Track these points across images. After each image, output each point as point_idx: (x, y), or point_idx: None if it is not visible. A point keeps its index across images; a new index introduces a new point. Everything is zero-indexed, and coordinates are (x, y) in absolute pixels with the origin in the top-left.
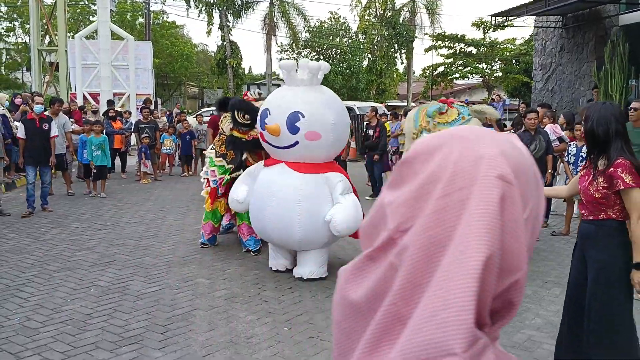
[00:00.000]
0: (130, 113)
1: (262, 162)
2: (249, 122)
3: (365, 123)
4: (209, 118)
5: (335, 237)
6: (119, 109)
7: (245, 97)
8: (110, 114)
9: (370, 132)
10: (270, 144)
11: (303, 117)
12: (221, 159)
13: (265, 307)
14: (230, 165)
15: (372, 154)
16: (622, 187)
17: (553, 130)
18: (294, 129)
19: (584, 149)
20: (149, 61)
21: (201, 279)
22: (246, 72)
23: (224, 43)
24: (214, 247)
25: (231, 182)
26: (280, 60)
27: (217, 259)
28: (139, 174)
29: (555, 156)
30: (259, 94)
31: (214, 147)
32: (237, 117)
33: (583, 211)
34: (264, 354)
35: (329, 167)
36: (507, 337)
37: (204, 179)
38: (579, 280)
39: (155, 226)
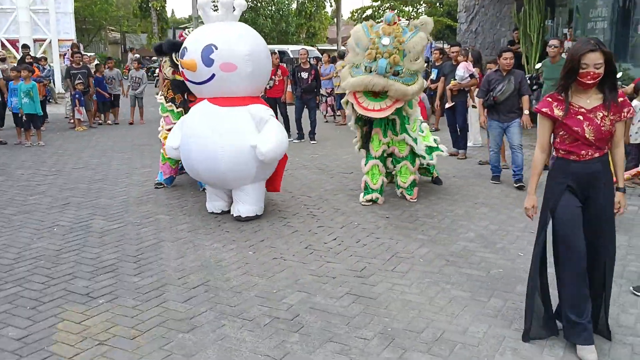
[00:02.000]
0: (45, 60)
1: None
2: None
3: (295, 66)
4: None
5: (265, 169)
6: (42, 55)
7: (182, 38)
8: (27, 61)
9: (304, 75)
10: (191, 81)
11: (216, 48)
12: (171, 103)
13: (227, 236)
14: (179, 109)
15: (307, 97)
16: (631, 116)
17: (466, 67)
18: (209, 62)
19: None
20: (69, 4)
21: (161, 215)
22: (169, 15)
23: None
24: (167, 187)
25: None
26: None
27: (173, 197)
28: (72, 121)
29: (467, 90)
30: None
31: (163, 93)
32: (174, 60)
33: (585, 151)
34: (234, 274)
35: (253, 101)
36: (445, 248)
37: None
38: (576, 221)
39: (102, 171)
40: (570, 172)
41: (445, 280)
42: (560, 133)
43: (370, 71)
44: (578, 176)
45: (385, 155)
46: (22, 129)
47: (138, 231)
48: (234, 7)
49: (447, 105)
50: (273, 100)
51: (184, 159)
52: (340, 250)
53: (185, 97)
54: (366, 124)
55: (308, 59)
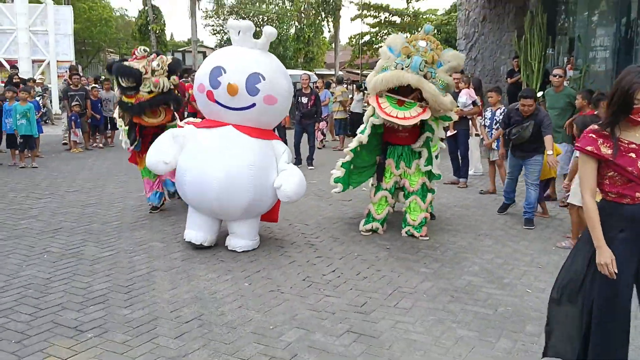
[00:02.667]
0: (34, 81)
1: (188, 124)
2: (133, 84)
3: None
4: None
5: (271, 205)
6: (39, 77)
7: (134, 56)
8: (14, 81)
9: (305, 100)
10: (220, 104)
11: (264, 79)
12: (121, 122)
13: (223, 265)
14: (126, 127)
15: (307, 122)
16: None
17: (468, 94)
18: (253, 91)
19: (498, 112)
20: (69, 26)
21: (155, 242)
22: (168, 38)
23: (146, 7)
24: (162, 212)
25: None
26: (206, 26)
27: (167, 224)
28: (66, 142)
29: (469, 118)
30: (145, 50)
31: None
32: (121, 82)
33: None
34: (229, 307)
35: (273, 135)
36: (449, 282)
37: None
38: (628, 279)
39: (97, 194)
40: (623, 218)
41: (451, 318)
42: (610, 174)
43: (402, 69)
44: (633, 222)
45: (396, 187)
46: (17, 150)
47: (130, 259)
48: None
49: (448, 133)
50: (279, 126)
51: (189, 181)
52: (339, 283)
53: (132, 120)
54: (380, 154)
55: (309, 84)
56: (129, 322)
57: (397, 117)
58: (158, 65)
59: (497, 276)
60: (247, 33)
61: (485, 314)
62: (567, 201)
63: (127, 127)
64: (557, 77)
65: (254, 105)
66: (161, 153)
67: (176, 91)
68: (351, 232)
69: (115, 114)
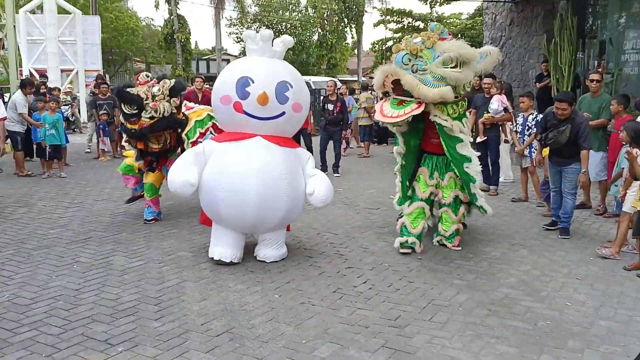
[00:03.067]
0: (59, 90)
1: (208, 140)
2: (135, 111)
3: (322, 97)
4: None
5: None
6: (68, 87)
7: (137, 81)
8: (41, 91)
9: (330, 106)
10: (250, 114)
11: (291, 87)
12: (129, 146)
13: (252, 276)
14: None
15: (333, 129)
16: None
17: (500, 100)
18: (283, 99)
19: (530, 118)
20: (97, 36)
21: (183, 252)
22: (192, 46)
23: (172, 17)
24: (190, 222)
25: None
26: (230, 34)
27: (195, 233)
28: (89, 151)
29: (500, 124)
30: (148, 75)
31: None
32: (123, 109)
33: None
34: (260, 320)
35: (295, 143)
36: (485, 295)
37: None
38: None
39: (124, 205)
40: None
41: (489, 333)
42: None
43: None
44: None
45: (432, 198)
46: (46, 159)
47: (160, 269)
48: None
49: (478, 140)
50: (298, 131)
51: (223, 198)
52: (371, 295)
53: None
54: (414, 161)
55: (335, 91)
56: (160, 335)
57: (389, 116)
58: (158, 90)
59: (534, 288)
60: (267, 42)
61: (525, 328)
62: (623, 209)
63: (135, 152)
64: (595, 82)
65: (283, 113)
66: (186, 173)
67: (181, 114)
68: (380, 242)
69: (123, 141)
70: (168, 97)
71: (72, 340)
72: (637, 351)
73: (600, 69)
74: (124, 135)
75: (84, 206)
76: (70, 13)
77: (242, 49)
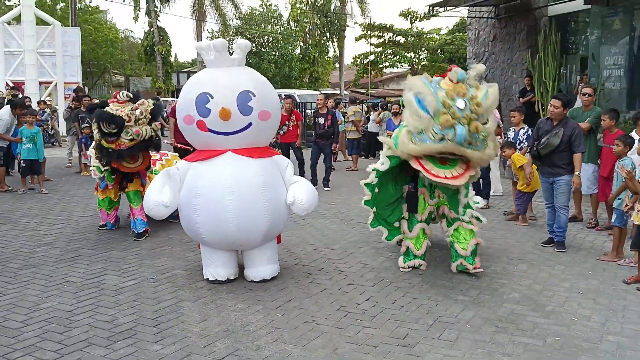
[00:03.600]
0: (44, 102)
1: (180, 161)
2: (115, 130)
3: (313, 111)
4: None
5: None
6: (48, 99)
7: (115, 100)
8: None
9: (321, 120)
10: (215, 131)
11: (254, 95)
12: (97, 161)
13: (252, 295)
14: (105, 168)
15: (324, 142)
16: None
17: (493, 115)
18: (246, 110)
19: (521, 132)
20: (77, 48)
21: (178, 270)
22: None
23: (152, 29)
24: (182, 238)
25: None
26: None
27: (189, 250)
28: (69, 165)
29: None
30: (128, 95)
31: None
32: (102, 127)
33: None
34: (264, 341)
35: (272, 151)
36: (492, 311)
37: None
38: None
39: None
40: None
41: (500, 350)
42: None
43: (442, 139)
44: None
45: (432, 217)
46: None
47: (155, 289)
48: (229, 51)
49: None
50: (287, 145)
51: (200, 220)
52: (376, 312)
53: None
54: (408, 182)
55: (326, 105)
56: (162, 359)
57: (446, 177)
58: (141, 113)
59: (539, 304)
60: (222, 52)
61: (535, 345)
62: (633, 221)
63: (104, 169)
64: (587, 95)
65: (250, 125)
66: (160, 194)
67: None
68: (379, 257)
69: (91, 149)
70: (149, 120)
71: None
72: None
73: (582, 84)
74: (92, 150)
75: (69, 223)
76: (49, 24)
77: None
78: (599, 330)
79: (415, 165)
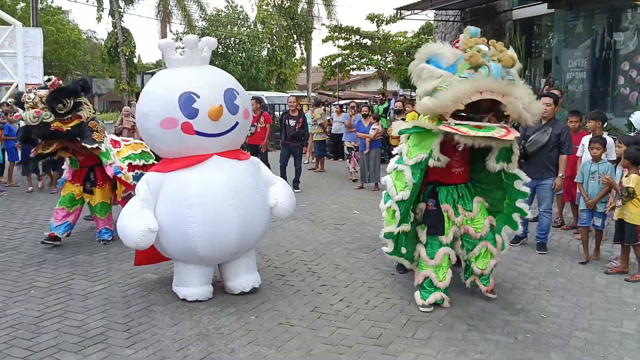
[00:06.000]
0: (8, 105)
1: (147, 173)
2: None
3: (282, 113)
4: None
5: None
6: (10, 101)
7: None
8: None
9: (292, 122)
10: (203, 134)
11: (238, 94)
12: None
13: (224, 298)
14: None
15: (294, 144)
16: None
17: None
18: (234, 108)
19: None
20: (38, 48)
21: (148, 274)
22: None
23: (115, 30)
24: None
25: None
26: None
27: None
28: None
29: None
30: (48, 79)
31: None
32: (62, 105)
33: None
34: (239, 343)
35: (244, 152)
36: (463, 309)
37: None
38: None
39: (79, 223)
40: None
41: (473, 348)
42: None
43: None
44: None
45: (455, 240)
46: None
47: (125, 293)
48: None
49: None
50: (254, 147)
51: (200, 232)
52: (350, 313)
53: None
54: (429, 199)
55: (297, 107)
56: None
57: (493, 135)
58: (29, 98)
59: (509, 301)
60: (194, 49)
61: (507, 342)
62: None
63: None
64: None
65: (236, 124)
66: (142, 219)
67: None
68: (351, 258)
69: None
70: (43, 105)
71: None
72: None
73: (547, 86)
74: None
75: (34, 227)
76: (9, 24)
77: None
78: (567, 327)
79: (447, 129)
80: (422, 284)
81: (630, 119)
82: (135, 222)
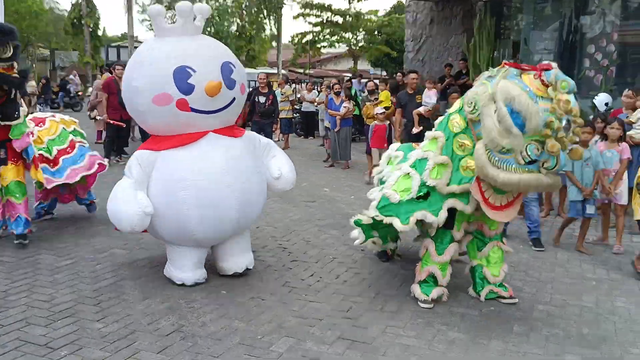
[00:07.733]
0: None
1: (138, 151)
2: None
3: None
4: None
5: None
6: None
7: None
8: None
9: (262, 99)
10: (199, 110)
11: (234, 67)
12: None
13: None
14: None
15: (264, 121)
16: None
17: (436, 94)
18: (231, 83)
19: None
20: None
21: (117, 249)
22: (100, 32)
23: (80, 1)
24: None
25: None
26: (142, 21)
27: None
28: None
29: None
30: None
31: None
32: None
33: None
34: (210, 317)
35: (239, 128)
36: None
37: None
38: None
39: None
40: None
41: (439, 320)
42: None
43: (532, 163)
44: None
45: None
46: None
47: (93, 268)
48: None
49: (414, 130)
50: None
51: (197, 208)
52: (320, 287)
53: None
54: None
55: (267, 84)
56: (105, 337)
57: (501, 205)
58: None
59: None
60: (188, 18)
61: (471, 315)
62: (620, 202)
63: None
64: None
65: (233, 100)
66: (137, 202)
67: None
68: (322, 235)
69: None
70: None
71: (7, 345)
72: (575, 333)
73: None
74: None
75: None
76: None
77: None
78: (529, 300)
79: (475, 192)
80: (423, 280)
81: (594, 100)
82: (129, 205)
